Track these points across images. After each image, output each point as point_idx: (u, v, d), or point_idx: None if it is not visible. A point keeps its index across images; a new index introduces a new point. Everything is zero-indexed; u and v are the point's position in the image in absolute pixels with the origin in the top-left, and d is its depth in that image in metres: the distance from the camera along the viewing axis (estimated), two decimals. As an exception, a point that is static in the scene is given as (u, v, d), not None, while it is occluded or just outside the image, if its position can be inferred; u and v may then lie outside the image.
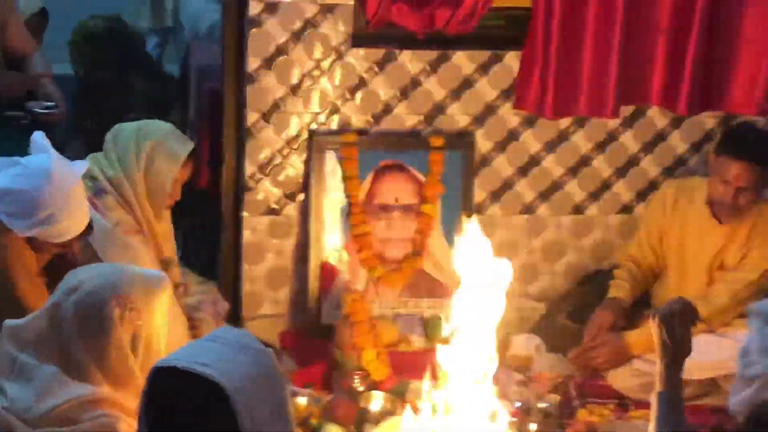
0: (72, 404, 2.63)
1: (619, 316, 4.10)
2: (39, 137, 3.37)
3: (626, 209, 4.53)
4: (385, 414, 3.67)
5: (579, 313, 4.27)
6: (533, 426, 3.68)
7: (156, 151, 3.73)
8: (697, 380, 3.76)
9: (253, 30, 4.07)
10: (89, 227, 3.43)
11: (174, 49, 6.50)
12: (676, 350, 2.95)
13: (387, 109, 4.26)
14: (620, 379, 3.99)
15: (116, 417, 2.64)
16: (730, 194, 3.88)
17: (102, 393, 2.67)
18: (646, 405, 3.68)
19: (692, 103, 4.25)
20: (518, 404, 3.77)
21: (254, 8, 4.06)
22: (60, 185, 3.29)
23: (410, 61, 4.21)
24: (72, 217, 3.32)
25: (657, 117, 4.44)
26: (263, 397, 2.21)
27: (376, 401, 3.78)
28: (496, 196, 4.43)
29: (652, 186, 4.47)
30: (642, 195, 4.51)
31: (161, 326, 2.79)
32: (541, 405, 3.78)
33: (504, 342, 4.12)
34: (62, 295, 2.72)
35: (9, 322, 2.77)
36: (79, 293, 2.69)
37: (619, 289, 4.19)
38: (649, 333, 3.81)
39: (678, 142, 4.49)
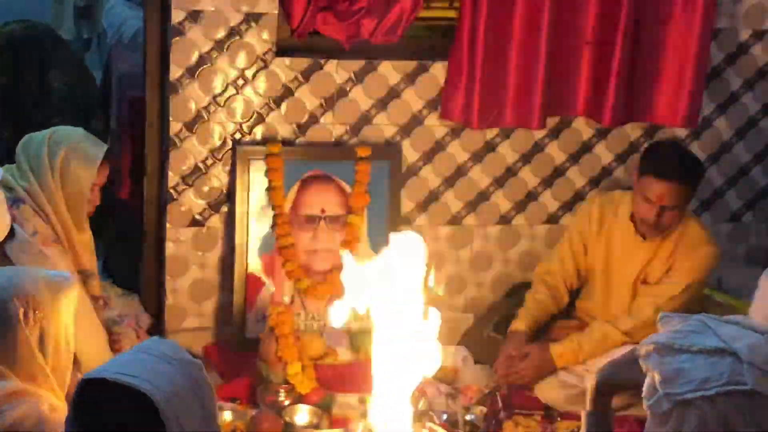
0: None
1: (522, 347, 4.07)
2: None
3: (552, 219, 4.56)
4: (311, 428, 3.69)
5: (506, 325, 4.24)
6: None
7: (70, 156, 3.68)
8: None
9: (176, 38, 4.03)
10: (11, 232, 3.42)
11: (98, 56, 6.43)
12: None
13: (312, 120, 4.24)
14: (546, 390, 3.99)
15: (37, 399, 2.63)
16: (653, 213, 3.89)
17: (16, 386, 2.64)
18: (572, 416, 3.79)
19: (617, 114, 4.32)
20: (445, 416, 3.79)
21: (177, 16, 4.01)
22: None
23: (336, 71, 4.20)
24: None
25: (583, 128, 4.48)
26: (192, 408, 2.21)
27: (302, 415, 3.78)
28: (423, 206, 4.44)
29: (579, 196, 4.51)
30: (568, 205, 4.54)
31: (68, 326, 2.77)
32: (468, 417, 3.81)
33: None
34: None
35: None
36: None
37: (521, 321, 4.16)
38: (573, 345, 3.94)
39: (604, 153, 4.52)
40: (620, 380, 3.05)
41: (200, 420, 2.23)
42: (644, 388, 2.63)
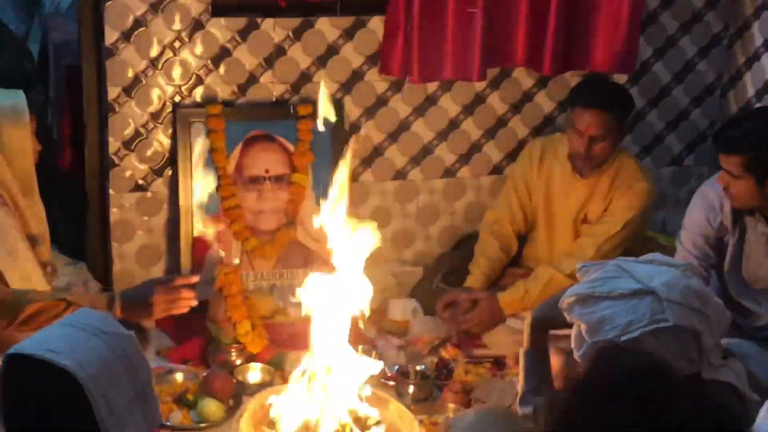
0: None
1: (485, 284, 4.15)
2: None
3: (497, 170, 4.57)
4: (263, 386, 3.68)
5: (454, 276, 4.30)
6: (411, 388, 3.73)
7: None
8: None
9: (110, 2, 3.99)
10: None
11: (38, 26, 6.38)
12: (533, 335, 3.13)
13: (252, 79, 4.24)
14: (495, 337, 4.04)
15: None
16: (584, 145, 3.94)
17: None
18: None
19: (556, 63, 4.33)
20: (396, 368, 3.84)
21: None
22: None
23: (273, 29, 4.18)
24: None
25: (523, 78, 4.48)
26: (122, 382, 2.22)
27: (254, 373, 3.81)
28: (367, 162, 4.46)
29: (521, 146, 4.50)
30: (512, 155, 4.54)
31: None
32: (419, 367, 3.85)
33: (381, 307, 4.22)
34: None
35: None
36: None
37: (475, 280, 4.21)
38: (520, 293, 3.97)
39: (545, 102, 4.54)
40: (553, 318, 3.07)
41: (132, 395, 2.25)
42: (572, 340, 2.74)
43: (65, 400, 2.15)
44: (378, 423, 3.33)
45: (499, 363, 3.97)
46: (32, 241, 3.77)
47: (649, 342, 2.56)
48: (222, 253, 4.09)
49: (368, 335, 3.97)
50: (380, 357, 3.87)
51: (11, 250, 3.53)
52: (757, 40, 4.47)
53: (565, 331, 2.97)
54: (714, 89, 4.71)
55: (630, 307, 2.65)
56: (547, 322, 3.10)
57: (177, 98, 4.17)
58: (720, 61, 4.67)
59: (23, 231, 3.71)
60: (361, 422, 3.32)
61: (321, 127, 3.59)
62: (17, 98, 3.66)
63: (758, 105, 4.28)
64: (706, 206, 3.72)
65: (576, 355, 2.70)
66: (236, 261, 4.16)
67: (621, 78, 4.49)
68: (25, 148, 3.60)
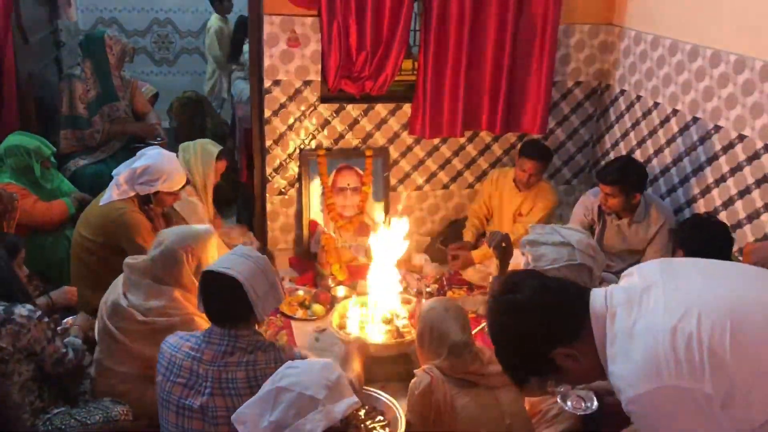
0: (165, 305, 2.64)
1: (468, 248, 4.16)
2: (150, 149, 3.44)
3: (470, 186, 4.55)
4: (346, 297, 3.69)
5: (446, 242, 4.33)
6: (423, 300, 3.61)
7: (203, 155, 3.72)
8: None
9: (267, 95, 4.02)
10: (187, 182, 3.46)
11: (229, 107, 6.40)
12: (501, 257, 3.12)
13: (341, 136, 4.25)
14: (469, 275, 4.08)
15: (192, 315, 2.63)
16: (525, 177, 3.96)
17: (180, 296, 2.68)
18: (483, 288, 3.85)
19: (503, 127, 4.28)
20: (415, 290, 3.86)
21: (267, 83, 3.97)
22: (167, 159, 3.36)
23: (353, 109, 4.20)
24: (178, 175, 3.36)
25: (485, 136, 4.44)
26: (261, 280, 2.25)
27: (341, 290, 3.86)
28: (401, 181, 4.45)
29: (484, 173, 4.48)
30: (479, 178, 4.51)
31: (213, 256, 2.74)
32: (428, 289, 3.88)
33: (408, 258, 4.26)
34: (155, 247, 2.72)
35: (128, 259, 2.77)
36: (163, 246, 2.70)
37: (468, 235, 4.23)
38: (485, 250, 3.95)
39: (497, 149, 4.51)
40: (509, 246, 3.06)
41: (267, 288, 2.27)
42: (522, 265, 2.73)
43: (233, 291, 2.19)
44: (404, 317, 3.33)
45: (470, 287, 4.00)
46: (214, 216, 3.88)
47: (564, 271, 2.58)
48: (324, 228, 4.18)
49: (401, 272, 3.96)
50: (407, 284, 3.90)
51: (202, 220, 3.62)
52: (611, 117, 4.44)
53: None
54: (588, 144, 4.64)
55: (557, 250, 2.67)
56: (507, 250, 3.12)
57: (302, 146, 4.21)
58: (592, 128, 4.60)
59: (209, 210, 3.80)
60: (397, 315, 3.33)
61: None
62: (215, 148, 3.78)
63: (618, 155, 4.03)
64: (584, 208, 3.73)
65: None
66: (331, 232, 4.20)
67: (538, 137, 4.38)
68: (209, 172, 3.73)
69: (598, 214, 3.67)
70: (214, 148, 3.80)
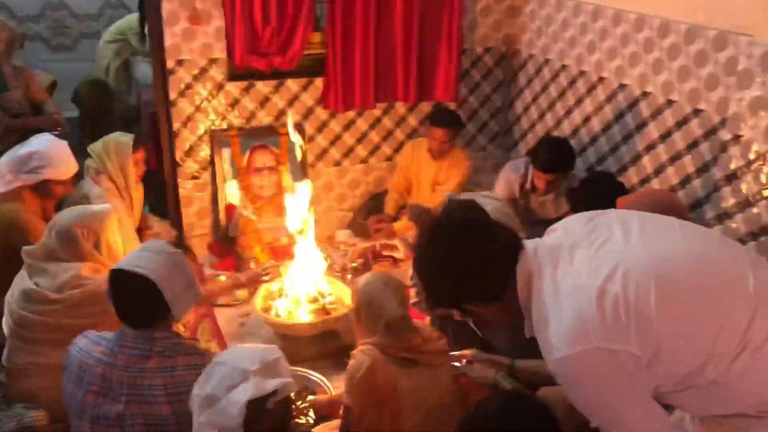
0: (73, 276, 2.56)
1: (388, 220, 4.18)
2: (38, 135, 3.29)
3: (389, 159, 4.55)
4: (270, 279, 3.48)
5: (368, 215, 4.33)
6: (349, 276, 3.75)
7: (118, 147, 3.53)
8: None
9: (172, 77, 3.92)
10: (77, 175, 3.30)
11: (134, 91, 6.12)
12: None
13: (252, 115, 4.16)
14: (396, 245, 4.05)
15: (100, 282, 2.49)
16: (437, 146, 3.99)
17: (86, 268, 2.61)
18: (407, 261, 3.84)
19: (416, 97, 4.29)
20: (340, 266, 3.89)
21: (170, 63, 3.85)
22: (55, 144, 3.19)
23: (263, 86, 4.12)
24: (66, 162, 3.21)
25: (400, 107, 4.43)
26: (178, 279, 2.15)
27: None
28: (319, 157, 4.41)
29: (401, 145, 4.47)
30: (397, 150, 4.50)
31: (113, 236, 2.71)
32: (353, 264, 3.89)
33: (333, 235, 4.30)
34: (48, 230, 2.67)
35: (26, 248, 2.69)
36: (57, 226, 2.64)
37: (389, 207, 4.27)
38: (406, 222, 3.97)
39: (412, 120, 4.50)
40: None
41: (184, 285, 2.17)
42: None
43: (147, 292, 2.08)
44: (330, 294, 3.32)
45: (396, 260, 4.00)
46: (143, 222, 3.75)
47: None
48: (243, 211, 4.09)
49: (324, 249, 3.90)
50: (333, 261, 3.90)
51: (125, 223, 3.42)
52: (521, 82, 4.50)
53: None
54: (500, 109, 4.66)
55: None
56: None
57: (212, 127, 4.10)
58: (504, 93, 4.62)
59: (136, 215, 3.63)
60: (322, 294, 3.31)
61: (293, 138, 3.56)
62: (128, 138, 3.59)
63: (545, 136, 3.99)
64: (508, 184, 3.72)
65: None
66: (250, 214, 4.11)
67: (452, 105, 4.37)
68: (128, 163, 3.52)
69: (520, 190, 3.69)
70: (127, 139, 3.60)
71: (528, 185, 3.67)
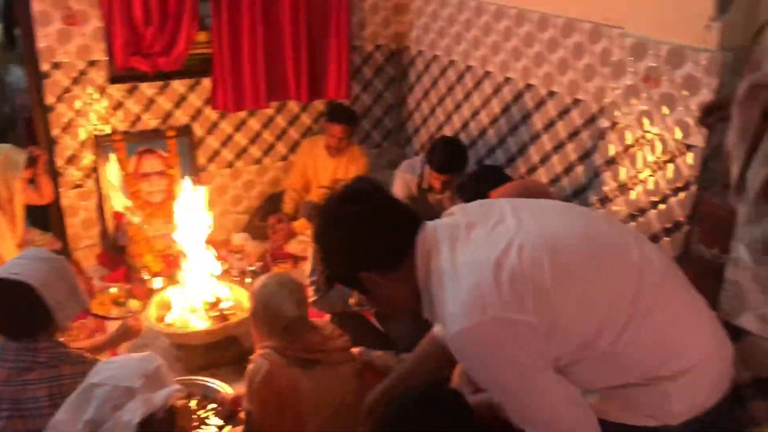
0: None
1: (287, 220, 4.15)
2: None
3: (284, 158, 4.51)
4: (164, 288, 3.51)
5: (266, 216, 4.27)
6: (247, 280, 3.70)
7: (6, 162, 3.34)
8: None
9: (46, 80, 3.72)
10: None
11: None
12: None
13: (138, 118, 4.04)
14: (293, 246, 4.07)
15: None
16: (335, 142, 4.00)
17: None
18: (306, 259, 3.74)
19: (309, 96, 4.28)
20: (238, 270, 3.84)
21: (45, 66, 3.68)
22: None
23: (147, 88, 4.01)
24: None
25: (293, 106, 4.41)
26: (59, 284, 2.09)
27: (157, 282, 3.70)
28: (210, 159, 4.33)
29: (296, 144, 4.45)
30: (292, 149, 4.47)
31: None
32: (252, 268, 3.87)
33: (228, 239, 4.23)
34: None
35: None
36: None
37: (287, 207, 4.23)
38: (303, 221, 3.98)
39: (307, 118, 4.48)
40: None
41: (67, 291, 2.12)
42: None
43: (28, 299, 2.02)
44: (229, 299, 3.28)
45: (296, 260, 3.98)
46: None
47: None
48: (131, 218, 3.96)
49: (221, 254, 3.85)
50: (230, 266, 3.86)
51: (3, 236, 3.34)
52: (412, 79, 4.53)
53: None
54: (393, 106, 4.69)
55: None
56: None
57: (95, 132, 3.94)
58: (396, 90, 4.64)
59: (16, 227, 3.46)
60: (220, 299, 3.26)
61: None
62: (21, 155, 3.41)
63: (441, 137, 3.79)
64: (404, 184, 3.74)
65: None
66: (139, 221, 3.97)
67: (345, 102, 4.37)
68: (13, 175, 3.37)
69: (418, 193, 3.73)
70: (19, 157, 3.42)
71: (425, 184, 3.73)
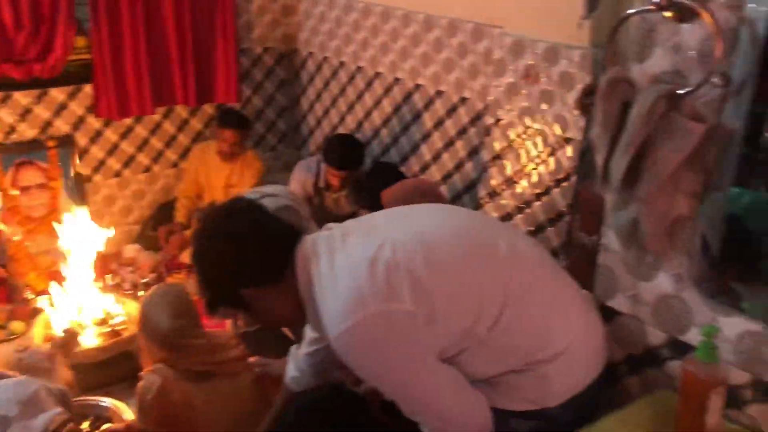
0: None
1: (180, 229, 4.05)
2: None
3: (175, 165, 4.38)
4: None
5: (157, 226, 4.16)
6: (140, 292, 3.58)
7: None
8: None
9: None
10: None
11: None
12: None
13: (12, 129, 3.82)
14: (187, 255, 3.71)
15: None
16: (227, 147, 3.91)
17: None
18: None
19: (198, 99, 4.20)
20: (130, 284, 3.71)
21: None
22: None
23: (22, 97, 3.80)
24: None
25: (182, 110, 4.32)
26: None
27: (42, 301, 3.43)
28: (96, 169, 4.16)
29: (187, 150, 4.32)
30: (182, 155, 4.35)
31: None
32: (144, 280, 3.72)
33: (119, 251, 4.06)
34: None
35: None
36: None
37: (179, 215, 4.13)
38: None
39: (197, 123, 4.37)
40: None
41: None
42: None
43: None
44: (120, 314, 3.22)
45: (190, 269, 3.79)
46: None
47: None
48: (13, 237, 3.72)
49: (112, 267, 3.80)
50: (122, 279, 3.72)
51: None
52: (304, 80, 4.52)
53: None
54: (286, 108, 4.64)
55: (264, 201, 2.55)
56: None
57: None
58: (288, 92, 4.61)
59: None
60: (111, 315, 3.21)
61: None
62: None
63: (337, 134, 3.95)
64: (301, 184, 3.72)
65: None
66: (18, 237, 3.72)
67: (237, 106, 4.34)
68: None
69: (314, 188, 3.71)
70: None
71: (321, 183, 3.71)
